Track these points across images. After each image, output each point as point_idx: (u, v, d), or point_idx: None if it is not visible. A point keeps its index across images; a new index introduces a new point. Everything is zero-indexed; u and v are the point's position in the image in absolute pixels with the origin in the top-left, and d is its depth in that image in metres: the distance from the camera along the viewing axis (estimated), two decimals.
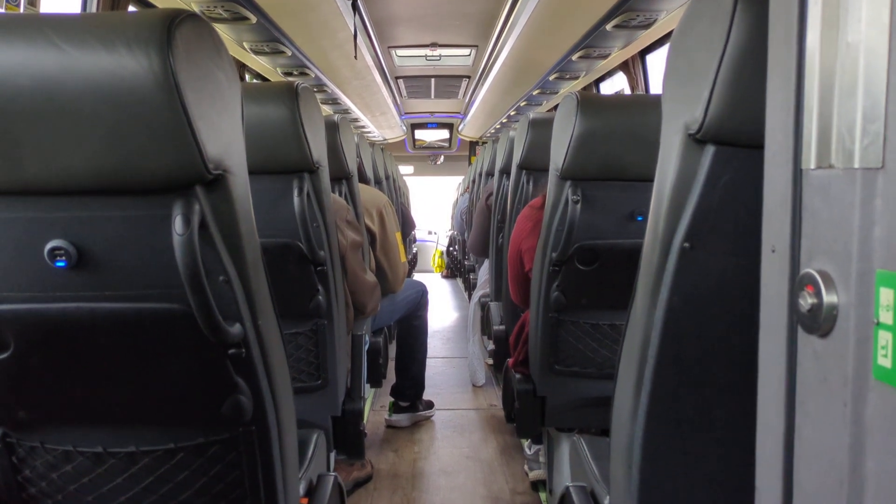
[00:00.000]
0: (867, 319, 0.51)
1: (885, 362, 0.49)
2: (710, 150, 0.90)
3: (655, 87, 4.38)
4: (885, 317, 0.49)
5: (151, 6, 3.00)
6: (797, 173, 0.59)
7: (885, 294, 0.49)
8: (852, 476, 0.53)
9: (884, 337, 0.50)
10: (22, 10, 1.92)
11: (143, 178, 0.93)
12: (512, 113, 7.41)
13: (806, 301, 0.56)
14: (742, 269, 0.90)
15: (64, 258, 0.95)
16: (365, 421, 2.72)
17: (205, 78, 0.93)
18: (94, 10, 2.55)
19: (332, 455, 2.32)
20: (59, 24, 0.88)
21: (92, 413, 1.12)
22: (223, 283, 1.00)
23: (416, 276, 6.80)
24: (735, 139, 0.88)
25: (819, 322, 0.55)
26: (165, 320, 1.00)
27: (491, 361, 4.25)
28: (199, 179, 0.95)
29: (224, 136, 0.98)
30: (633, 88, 4.47)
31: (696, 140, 0.91)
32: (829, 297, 0.54)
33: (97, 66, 0.86)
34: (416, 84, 7.44)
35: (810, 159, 0.57)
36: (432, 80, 7.21)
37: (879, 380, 0.50)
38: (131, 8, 2.90)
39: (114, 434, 1.13)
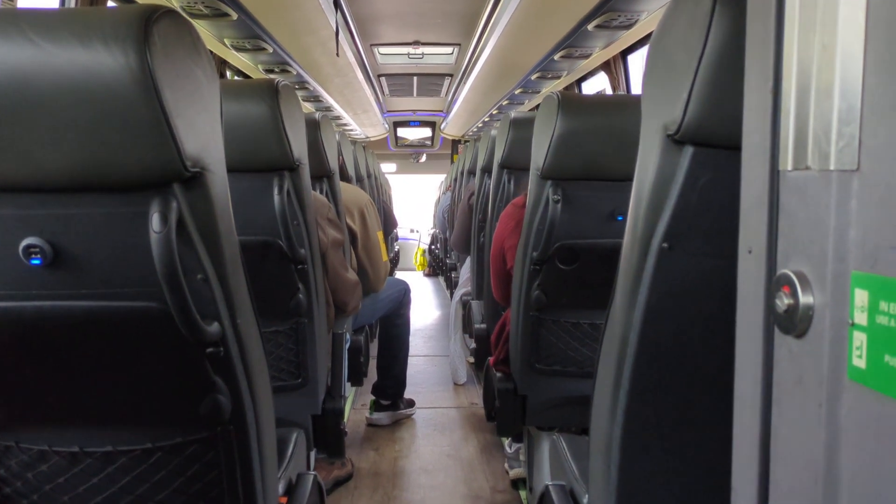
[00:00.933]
0: (842, 320, 0.52)
1: (859, 363, 0.50)
2: (688, 151, 0.90)
3: (636, 87, 4.39)
4: (860, 318, 0.50)
5: (131, 1, 2.97)
6: (774, 174, 0.59)
7: (859, 295, 0.50)
8: (827, 475, 0.53)
9: (858, 338, 0.50)
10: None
11: (120, 175, 0.92)
12: (494, 112, 7.41)
13: (782, 301, 0.57)
14: (720, 270, 0.90)
15: (39, 256, 0.94)
16: (345, 419, 2.71)
17: (183, 75, 0.93)
18: (72, 5, 2.53)
19: (313, 454, 2.32)
20: (35, 20, 0.87)
21: (68, 412, 1.11)
22: (201, 281, 0.99)
23: (399, 275, 6.78)
24: (713, 140, 0.89)
25: (795, 322, 0.56)
26: (142, 319, 0.99)
27: (472, 360, 4.25)
28: (177, 177, 0.94)
29: (202, 134, 0.98)
30: (614, 88, 4.49)
31: (675, 141, 0.91)
32: (804, 298, 0.55)
33: (73, 62, 0.85)
34: (399, 82, 7.43)
35: (787, 161, 0.57)
36: (415, 78, 7.20)
37: (854, 380, 0.51)
38: (111, 3, 2.87)
39: (90, 433, 1.12)
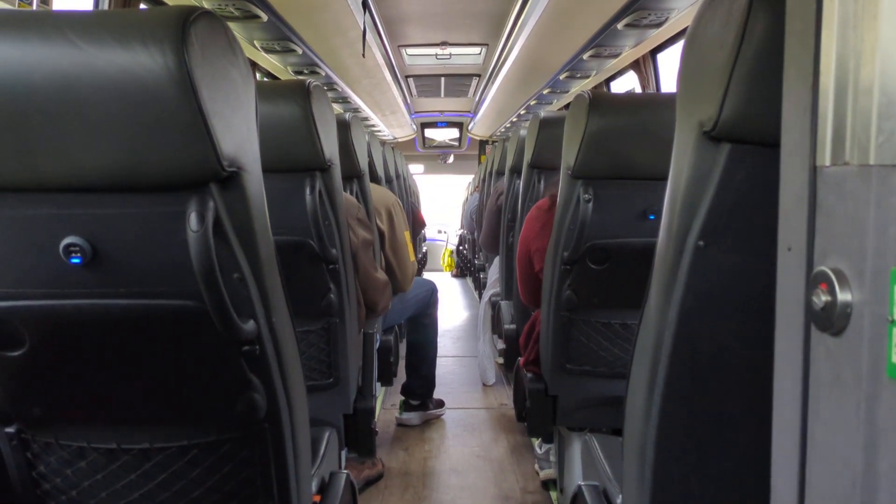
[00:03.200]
0: (881, 317, 0.51)
1: None
2: (725, 148, 0.90)
3: (666, 85, 4.37)
4: None
5: (164, 3, 3.01)
6: (812, 171, 0.59)
7: None
8: (865, 476, 0.53)
9: None
10: (34, 9, 1.94)
11: (158, 175, 0.93)
12: (522, 112, 7.39)
13: (819, 299, 0.56)
14: (756, 268, 0.89)
15: (79, 255, 0.96)
16: (376, 419, 2.72)
17: (219, 75, 0.94)
18: (105, 7, 2.57)
19: (344, 453, 2.33)
20: (75, 21, 0.88)
21: (106, 409, 1.13)
22: (237, 280, 1.00)
23: (426, 276, 6.80)
24: (750, 137, 0.88)
25: (832, 320, 0.55)
26: (179, 317, 1.00)
27: (501, 360, 4.26)
28: (214, 177, 0.95)
29: (238, 134, 0.99)
30: (644, 87, 4.46)
31: (711, 138, 0.91)
32: (842, 295, 0.54)
33: (113, 63, 0.87)
34: (426, 83, 7.44)
35: (825, 156, 0.56)
36: (442, 78, 7.21)
37: (893, 378, 0.50)
38: (142, 5, 2.91)
39: (127, 430, 1.13)
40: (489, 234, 4.23)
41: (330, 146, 1.89)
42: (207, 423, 1.13)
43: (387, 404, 3.80)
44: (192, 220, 0.93)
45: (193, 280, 0.94)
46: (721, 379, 1.00)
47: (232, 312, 0.97)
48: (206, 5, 3.03)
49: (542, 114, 2.86)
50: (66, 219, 0.96)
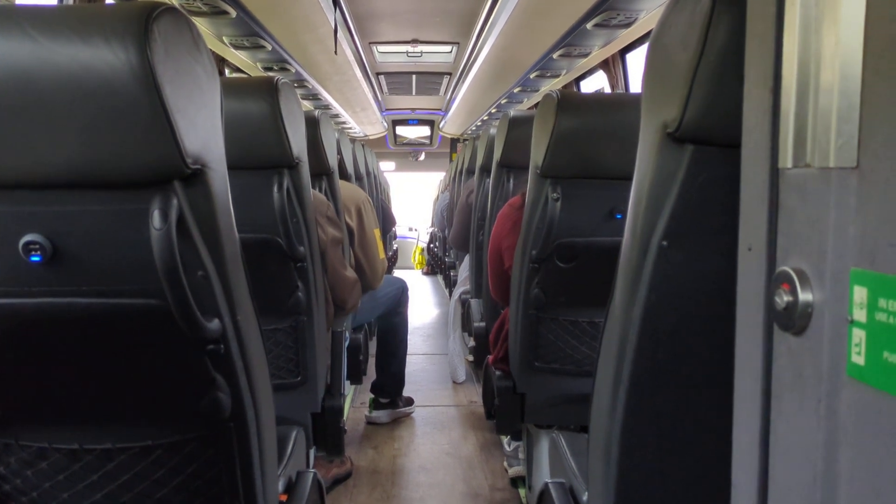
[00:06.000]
0: (841, 317, 0.52)
1: (858, 360, 0.50)
2: (688, 149, 0.91)
3: (635, 85, 4.39)
4: (859, 315, 0.50)
5: None
6: (774, 172, 0.59)
7: (858, 292, 0.50)
8: (826, 472, 0.54)
9: (857, 335, 0.50)
10: None
11: (120, 172, 0.92)
12: (493, 110, 7.41)
13: (781, 299, 0.57)
14: (719, 267, 0.90)
15: (39, 253, 0.94)
16: (345, 417, 2.71)
17: (183, 72, 0.93)
18: (70, 2, 2.53)
19: (312, 452, 2.32)
20: (35, 16, 0.87)
21: (68, 409, 1.11)
22: (201, 278, 0.99)
23: (397, 273, 6.78)
24: (713, 138, 0.89)
25: (794, 319, 0.56)
26: (142, 316, 0.99)
27: (471, 358, 4.26)
28: (178, 174, 0.94)
29: (203, 131, 0.98)
30: (613, 87, 4.49)
31: (675, 139, 0.91)
32: (804, 295, 0.55)
33: (73, 58, 0.85)
34: (398, 80, 7.41)
35: (787, 158, 0.57)
36: (413, 76, 7.19)
37: (852, 377, 0.51)
38: (109, 0, 2.86)
39: (90, 431, 1.12)
40: (459, 231, 4.23)
41: (298, 143, 1.88)
42: (171, 423, 1.11)
43: (356, 402, 3.79)
44: (156, 218, 0.92)
45: (156, 278, 0.93)
46: (685, 377, 1.01)
47: (195, 311, 0.96)
48: (173, 1, 2.99)
49: (512, 113, 2.86)
50: (26, 216, 0.94)
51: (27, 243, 0.94)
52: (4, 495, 1.17)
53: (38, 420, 1.12)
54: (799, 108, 0.56)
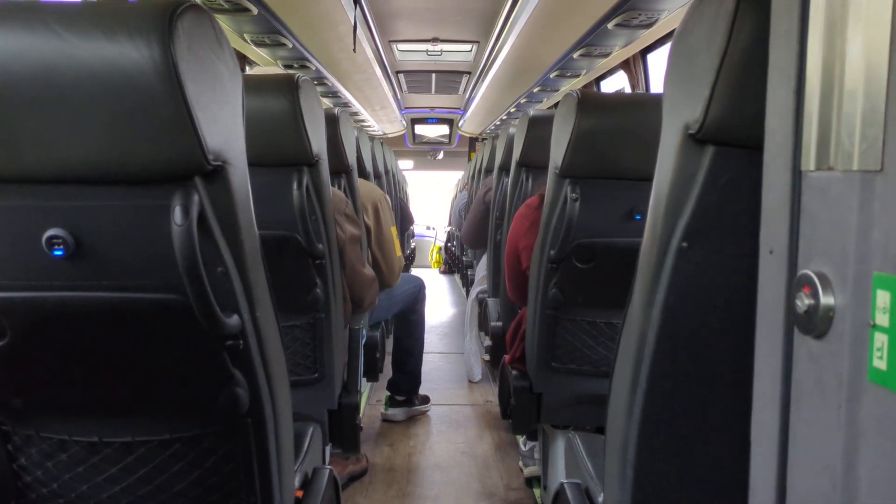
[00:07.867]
0: (863, 321, 0.51)
1: (880, 364, 0.50)
2: (709, 151, 0.90)
3: (656, 86, 4.37)
4: (882, 319, 0.50)
5: None
6: (796, 175, 0.59)
7: (881, 296, 0.50)
8: (845, 479, 0.53)
9: (879, 339, 0.50)
10: None
11: (143, 168, 0.93)
12: (512, 110, 7.39)
13: (802, 302, 0.57)
14: (739, 270, 0.90)
15: (62, 247, 0.95)
16: (361, 415, 2.72)
17: (206, 68, 0.93)
18: None
19: (328, 448, 2.32)
20: (60, 12, 0.87)
21: (88, 402, 1.13)
22: (221, 274, 1.00)
23: (414, 272, 6.79)
24: (735, 140, 0.88)
25: (815, 323, 0.55)
26: (162, 311, 1.00)
27: (487, 357, 4.26)
28: (199, 170, 0.95)
29: (224, 128, 0.98)
30: (633, 87, 4.46)
31: (696, 140, 0.91)
32: (825, 299, 0.54)
33: (98, 54, 0.86)
34: (417, 79, 7.41)
35: (810, 161, 0.57)
36: (433, 75, 7.19)
37: (874, 382, 0.50)
38: None
39: (109, 424, 1.13)
40: (471, 228, 4.22)
41: (318, 141, 1.89)
42: (189, 417, 1.12)
43: (372, 400, 3.80)
44: (177, 214, 0.92)
45: (177, 274, 0.94)
46: (703, 379, 1.00)
47: (215, 307, 0.97)
48: None
49: (532, 112, 2.86)
50: (50, 211, 0.95)
51: (50, 237, 0.95)
52: (25, 486, 1.18)
53: (59, 412, 1.13)
54: (823, 109, 0.55)
